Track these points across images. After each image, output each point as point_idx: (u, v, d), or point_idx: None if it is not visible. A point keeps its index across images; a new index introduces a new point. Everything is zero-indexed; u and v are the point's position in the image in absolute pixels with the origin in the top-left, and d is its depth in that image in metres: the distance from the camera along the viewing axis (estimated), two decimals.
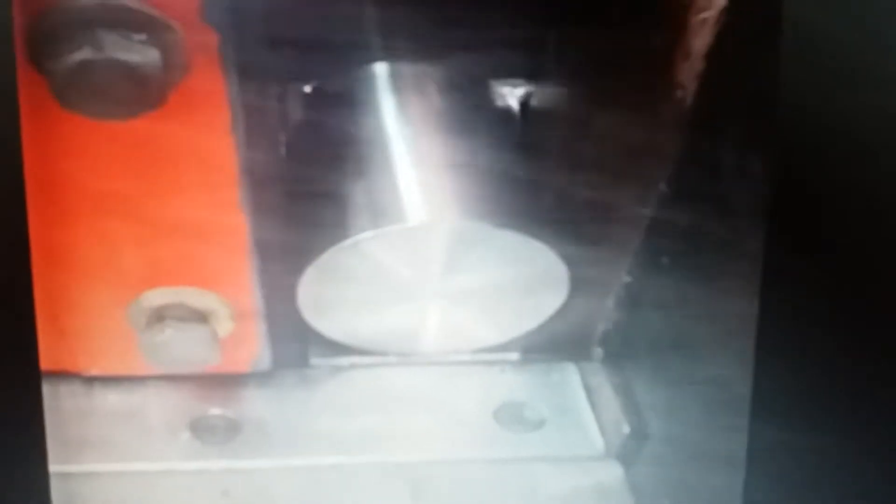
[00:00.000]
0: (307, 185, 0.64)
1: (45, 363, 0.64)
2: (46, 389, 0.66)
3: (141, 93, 0.51)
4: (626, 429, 0.65)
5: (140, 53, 0.50)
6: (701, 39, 0.51)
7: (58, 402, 0.67)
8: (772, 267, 0.48)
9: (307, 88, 0.66)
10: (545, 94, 0.66)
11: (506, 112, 0.68)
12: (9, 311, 0.46)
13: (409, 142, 0.65)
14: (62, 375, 0.67)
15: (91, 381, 0.68)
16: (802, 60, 0.44)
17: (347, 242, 0.63)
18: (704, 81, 0.52)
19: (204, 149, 0.56)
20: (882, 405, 0.48)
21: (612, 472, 0.66)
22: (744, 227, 0.50)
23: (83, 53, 0.50)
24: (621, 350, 0.68)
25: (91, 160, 0.56)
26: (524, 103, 0.67)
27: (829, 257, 0.47)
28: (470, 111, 0.67)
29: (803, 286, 0.47)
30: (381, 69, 0.67)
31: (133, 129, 0.54)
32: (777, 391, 0.50)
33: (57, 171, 0.56)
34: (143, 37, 0.50)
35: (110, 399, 0.68)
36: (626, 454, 0.65)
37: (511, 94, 0.67)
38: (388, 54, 0.66)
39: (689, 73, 0.52)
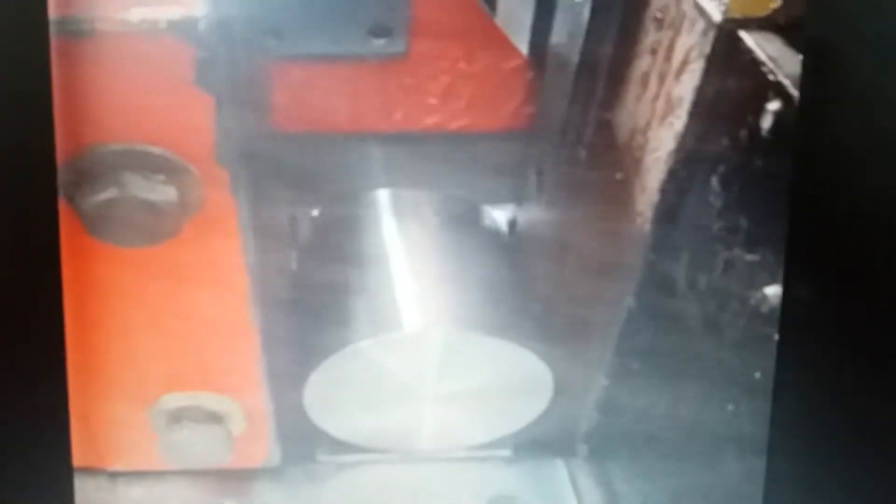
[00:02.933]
0: (314, 297, 0.68)
1: (73, 460, 0.68)
2: (75, 483, 0.70)
3: (160, 225, 0.56)
4: None
5: (159, 192, 0.55)
6: (654, 176, 0.55)
7: (85, 496, 0.68)
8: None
9: (315, 212, 0.71)
10: (529, 217, 0.70)
11: (494, 232, 0.72)
12: (46, 413, 0.50)
13: (406, 258, 0.69)
14: (89, 471, 0.70)
15: (115, 476, 0.70)
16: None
17: (349, 349, 0.66)
18: (660, 210, 0.56)
19: (217, 271, 0.60)
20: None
21: None
22: (697, 339, 0.55)
23: (110, 193, 0.55)
24: (603, 447, 0.71)
25: (118, 282, 0.60)
26: (511, 224, 0.72)
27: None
28: (462, 232, 0.71)
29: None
30: (383, 195, 0.72)
31: (154, 255, 0.59)
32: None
33: (89, 293, 0.61)
34: (162, 177, 0.56)
35: (133, 492, 0.71)
36: None
37: (500, 217, 0.72)
38: (389, 181, 0.71)
39: (645, 203, 0.56)
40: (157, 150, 0.55)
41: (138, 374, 0.66)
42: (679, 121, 0.53)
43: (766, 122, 0.47)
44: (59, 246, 0.50)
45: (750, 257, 0.49)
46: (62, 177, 0.55)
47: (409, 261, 0.70)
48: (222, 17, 0.53)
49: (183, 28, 0.52)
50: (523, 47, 0.66)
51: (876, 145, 0.48)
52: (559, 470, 0.74)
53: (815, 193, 0.48)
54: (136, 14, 0.51)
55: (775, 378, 0.49)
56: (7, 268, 0.49)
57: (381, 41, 0.66)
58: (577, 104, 0.61)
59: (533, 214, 0.70)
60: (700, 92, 0.52)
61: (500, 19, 0.66)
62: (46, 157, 0.49)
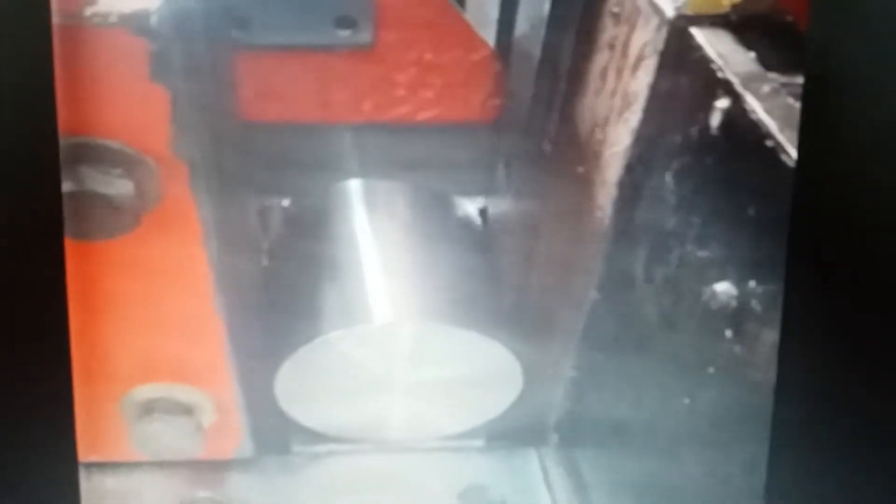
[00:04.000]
0: (284, 288, 0.68)
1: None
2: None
3: (117, 219, 0.56)
4: None
5: (116, 186, 0.55)
6: (612, 171, 0.55)
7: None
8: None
9: (285, 202, 0.71)
10: (499, 208, 0.71)
11: (465, 223, 0.72)
12: (52, 407, 0.51)
13: (377, 249, 0.70)
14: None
15: (89, 466, 0.70)
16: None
17: (319, 340, 0.66)
18: (618, 204, 0.56)
19: (179, 264, 0.60)
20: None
21: None
22: (655, 333, 0.55)
23: (66, 187, 0.55)
24: (573, 436, 0.72)
25: (86, 275, 0.60)
26: (482, 214, 0.72)
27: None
28: (433, 222, 0.71)
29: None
30: (354, 185, 0.72)
31: (117, 248, 0.59)
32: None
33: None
34: (119, 171, 0.56)
35: (107, 483, 0.71)
36: None
37: (471, 207, 0.72)
38: (359, 172, 0.71)
39: (605, 197, 0.57)
40: (114, 143, 0.55)
41: (109, 366, 0.66)
42: (634, 116, 0.53)
43: (715, 120, 0.47)
44: (62, 241, 0.50)
45: (701, 253, 0.49)
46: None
47: (380, 252, 0.70)
48: (179, 8, 0.53)
49: (135, 21, 0.52)
50: (490, 39, 0.66)
51: (878, 143, 0.49)
52: (531, 460, 0.75)
53: (817, 193, 0.48)
54: (88, 8, 0.51)
55: (777, 377, 0.49)
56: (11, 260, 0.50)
57: (347, 32, 0.66)
58: (540, 97, 0.62)
59: (503, 206, 0.71)
60: (654, 88, 0.52)
61: (469, 11, 0.66)
62: (49, 147, 0.49)
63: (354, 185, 0.73)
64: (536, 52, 0.60)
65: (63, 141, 0.53)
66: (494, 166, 0.69)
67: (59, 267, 0.50)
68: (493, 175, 0.70)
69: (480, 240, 0.72)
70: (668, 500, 0.57)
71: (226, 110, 0.65)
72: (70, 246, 0.56)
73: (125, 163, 0.56)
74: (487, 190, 0.71)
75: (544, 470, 0.74)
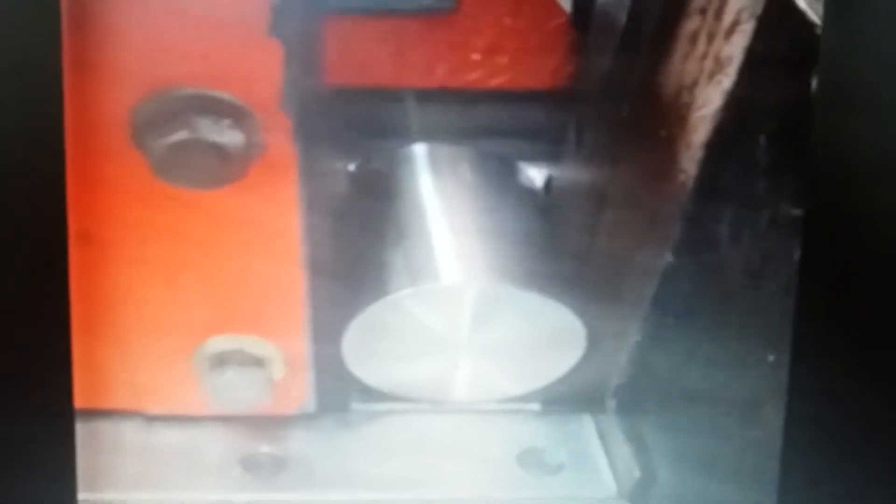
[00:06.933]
0: (355, 248, 0.69)
1: (110, 402, 0.70)
2: (111, 426, 0.72)
3: (227, 168, 0.58)
4: (636, 473, 0.70)
5: (227, 136, 0.57)
6: (700, 133, 0.57)
7: (121, 437, 0.71)
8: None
9: (352, 167, 0.73)
10: (566, 175, 0.72)
11: (530, 189, 0.73)
12: (47, 349, 0.50)
13: (443, 212, 0.71)
14: (126, 414, 0.72)
15: (152, 419, 0.72)
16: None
17: (388, 299, 0.67)
18: (704, 167, 0.58)
19: (274, 216, 0.62)
20: None
21: None
22: (738, 289, 0.56)
23: (181, 135, 0.57)
24: (633, 402, 0.72)
25: (174, 225, 0.62)
26: (547, 182, 0.74)
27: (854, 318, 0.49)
28: (498, 187, 0.73)
29: (830, 331, 0.49)
30: (419, 149, 0.73)
31: (216, 197, 0.60)
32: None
33: (144, 234, 0.63)
34: (229, 121, 0.57)
35: (169, 436, 0.72)
36: (636, 497, 0.70)
37: (536, 175, 0.73)
38: (427, 137, 0.72)
39: (689, 160, 0.58)
40: (225, 95, 0.56)
41: (184, 318, 0.67)
42: (728, 79, 0.54)
43: (815, 84, 0.49)
44: (64, 163, 0.49)
45: (795, 212, 0.50)
46: (129, 119, 0.56)
47: (446, 215, 0.71)
48: None
49: None
50: (566, 5, 0.67)
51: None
52: (587, 424, 0.76)
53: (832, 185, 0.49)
54: None
55: (790, 369, 0.50)
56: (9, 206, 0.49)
57: None
58: (620, 63, 0.63)
59: (570, 172, 0.72)
60: (750, 51, 0.53)
61: None
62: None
63: (420, 150, 0.74)
64: (621, 17, 0.61)
65: (176, 92, 0.54)
66: (564, 133, 0.70)
67: (59, 209, 0.49)
68: (563, 141, 0.71)
69: (546, 205, 0.73)
70: (740, 466, 0.57)
71: (318, 71, 0.66)
72: (173, 195, 0.58)
73: (235, 114, 0.57)
74: (556, 156, 0.72)
75: (601, 435, 0.75)
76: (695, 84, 0.57)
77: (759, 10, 0.52)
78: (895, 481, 0.51)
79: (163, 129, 0.57)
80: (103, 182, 0.60)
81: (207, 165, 0.57)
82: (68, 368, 0.49)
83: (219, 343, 0.68)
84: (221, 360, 0.68)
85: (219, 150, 0.56)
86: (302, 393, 0.71)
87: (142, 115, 0.57)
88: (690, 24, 0.58)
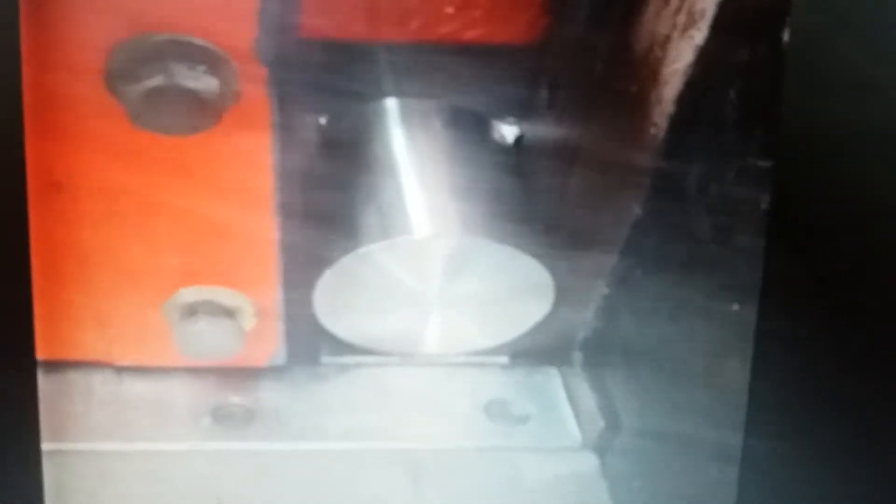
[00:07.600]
0: (326, 202, 0.69)
1: (80, 354, 0.70)
2: (81, 376, 0.71)
3: (201, 114, 0.58)
4: (600, 423, 0.71)
5: (202, 81, 0.57)
6: (671, 88, 0.57)
7: (91, 389, 0.72)
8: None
9: (323, 120, 0.72)
10: (537, 130, 0.72)
11: (502, 144, 0.73)
12: (7, 299, 0.49)
13: (415, 167, 0.71)
14: (96, 365, 0.72)
15: (122, 370, 0.72)
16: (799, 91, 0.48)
17: (360, 251, 0.67)
18: (675, 121, 0.58)
19: (247, 163, 0.62)
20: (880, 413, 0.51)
21: (589, 462, 0.71)
22: (706, 240, 0.57)
23: (157, 80, 0.56)
24: (598, 355, 0.73)
25: (144, 173, 0.62)
26: (518, 137, 0.74)
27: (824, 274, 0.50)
28: (470, 143, 0.72)
29: (795, 287, 0.50)
30: (391, 104, 0.73)
31: (189, 146, 0.60)
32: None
33: (114, 182, 0.62)
34: (204, 68, 0.57)
35: (139, 387, 0.72)
36: (601, 446, 0.71)
37: (507, 130, 0.73)
38: (399, 91, 0.72)
39: (660, 114, 0.58)
40: (200, 41, 0.56)
41: (155, 268, 0.67)
42: (700, 34, 0.55)
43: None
44: (21, 116, 0.48)
45: (764, 164, 0.51)
46: (104, 66, 0.56)
47: (417, 169, 0.71)
48: None
49: None
50: None
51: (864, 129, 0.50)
52: (553, 377, 0.77)
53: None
54: None
55: (758, 318, 0.50)
56: None
57: None
58: (595, 18, 0.63)
59: (542, 128, 0.72)
60: (722, 6, 0.53)
61: None
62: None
63: (391, 105, 0.73)
64: None
65: (152, 37, 0.54)
66: (536, 88, 0.71)
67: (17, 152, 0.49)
68: (535, 96, 0.71)
69: (517, 161, 0.73)
70: (705, 418, 0.58)
71: (293, 21, 0.66)
72: (146, 144, 0.57)
73: (209, 60, 0.57)
74: (527, 111, 0.72)
75: (567, 388, 0.76)
76: (667, 39, 0.58)
77: None
78: (860, 425, 0.52)
79: (138, 75, 0.57)
80: (76, 131, 0.60)
81: (183, 111, 0.57)
82: (29, 318, 0.49)
83: (190, 293, 0.68)
84: (192, 311, 0.68)
85: (194, 97, 0.56)
86: (272, 345, 0.72)
87: (117, 61, 0.57)
88: None
